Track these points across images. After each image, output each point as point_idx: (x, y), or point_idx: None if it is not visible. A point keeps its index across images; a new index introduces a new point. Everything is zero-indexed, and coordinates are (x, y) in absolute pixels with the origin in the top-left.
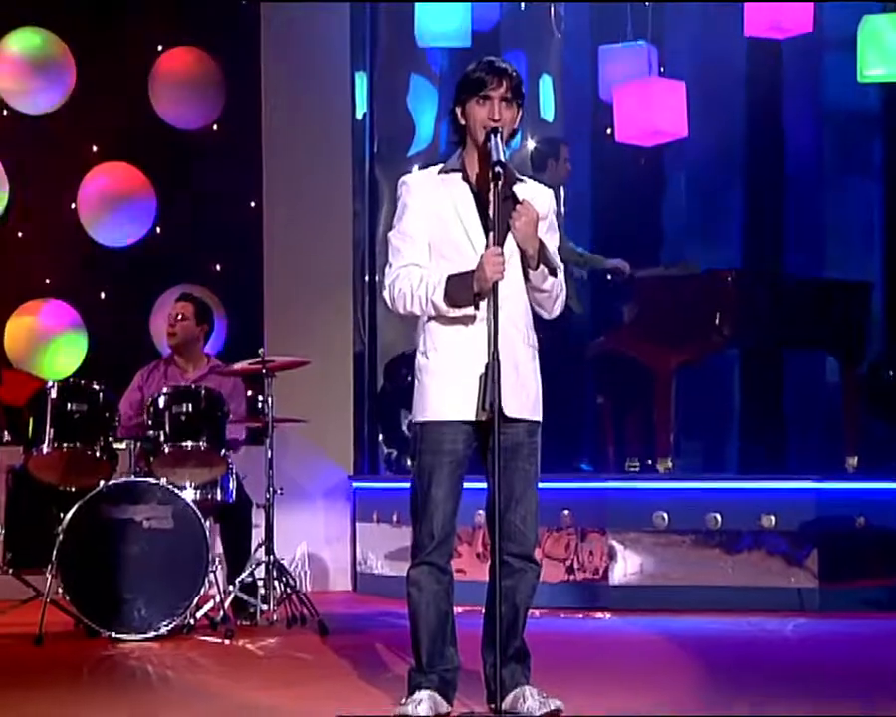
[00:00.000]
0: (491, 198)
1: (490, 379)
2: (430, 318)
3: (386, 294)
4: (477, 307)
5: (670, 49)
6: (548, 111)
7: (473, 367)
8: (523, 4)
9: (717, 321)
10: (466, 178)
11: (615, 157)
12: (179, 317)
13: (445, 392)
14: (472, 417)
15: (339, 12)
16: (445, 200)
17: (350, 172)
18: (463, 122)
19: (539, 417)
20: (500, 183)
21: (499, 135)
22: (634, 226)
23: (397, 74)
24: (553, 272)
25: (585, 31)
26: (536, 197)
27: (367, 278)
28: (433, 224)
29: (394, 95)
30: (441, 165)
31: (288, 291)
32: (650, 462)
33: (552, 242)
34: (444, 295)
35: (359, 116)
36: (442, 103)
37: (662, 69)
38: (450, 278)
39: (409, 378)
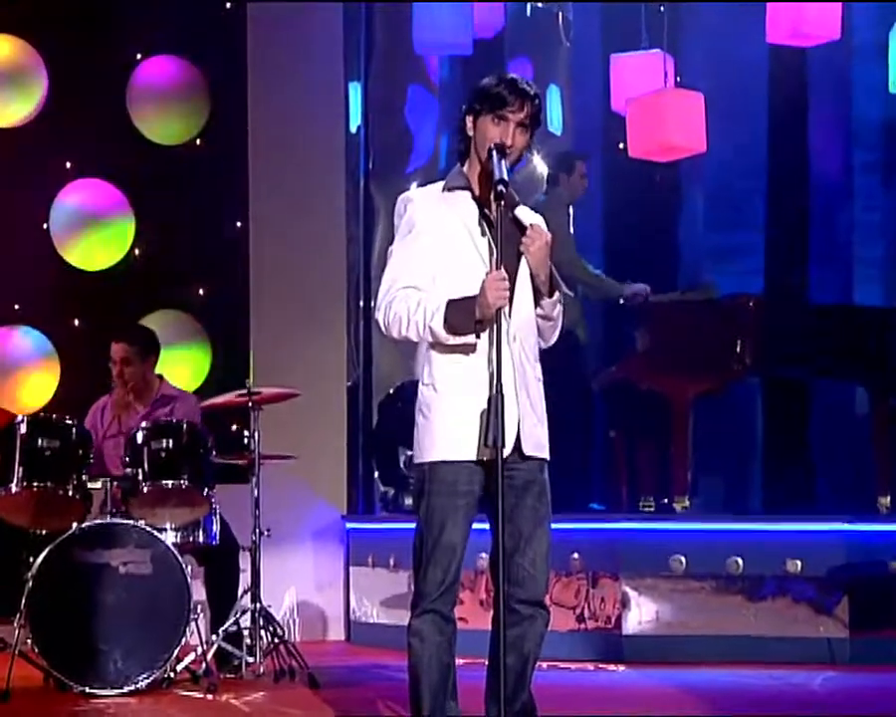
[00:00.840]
0: (493, 219)
1: (493, 413)
2: (433, 347)
3: (379, 315)
4: (478, 336)
5: (687, 57)
6: (556, 123)
7: (486, 401)
8: (528, 8)
9: (738, 349)
10: (473, 195)
11: (628, 174)
12: (124, 363)
13: (458, 429)
14: (486, 455)
15: (331, 18)
16: (453, 219)
17: (343, 190)
18: (471, 134)
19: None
20: (502, 203)
21: (503, 154)
22: (648, 247)
23: (394, 84)
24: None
25: (596, 38)
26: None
27: (362, 303)
28: (442, 245)
29: (391, 106)
30: (444, 182)
31: (276, 317)
32: (666, 501)
33: None
34: (443, 322)
35: (353, 129)
36: (442, 114)
37: (678, 79)
38: (450, 303)
39: (407, 412)
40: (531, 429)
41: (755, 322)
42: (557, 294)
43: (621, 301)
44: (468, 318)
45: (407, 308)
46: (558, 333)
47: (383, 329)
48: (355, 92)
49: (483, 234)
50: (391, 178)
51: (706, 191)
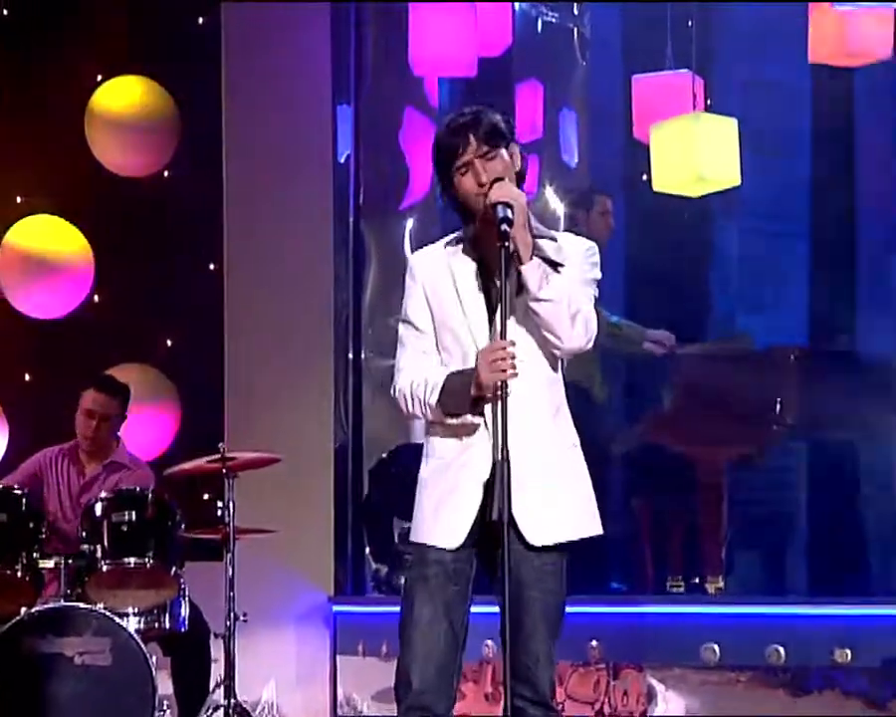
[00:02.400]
0: (501, 266)
1: (499, 483)
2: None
3: (395, 393)
4: (480, 413)
5: (718, 79)
6: (570, 153)
7: (466, 482)
8: (539, 24)
9: (778, 408)
10: (469, 250)
11: (652, 210)
12: (103, 419)
13: (431, 512)
14: (453, 545)
15: (318, 34)
16: (446, 280)
17: (331, 227)
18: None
19: (572, 535)
20: (509, 246)
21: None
22: (675, 293)
23: (388, 107)
24: (553, 266)
25: (616, 57)
26: (564, 246)
27: (351, 355)
28: (434, 309)
29: (384, 132)
30: (451, 236)
31: (254, 372)
32: (697, 581)
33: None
34: (440, 393)
35: (342, 158)
36: None
37: (709, 102)
38: (449, 378)
39: (403, 478)
40: (533, 508)
41: (797, 377)
42: (538, 260)
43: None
44: (462, 397)
45: (411, 381)
46: (580, 325)
47: (399, 402)
48: (345, 116)
49: (475, 294)
50: (385, 214)
51: (741, 229)
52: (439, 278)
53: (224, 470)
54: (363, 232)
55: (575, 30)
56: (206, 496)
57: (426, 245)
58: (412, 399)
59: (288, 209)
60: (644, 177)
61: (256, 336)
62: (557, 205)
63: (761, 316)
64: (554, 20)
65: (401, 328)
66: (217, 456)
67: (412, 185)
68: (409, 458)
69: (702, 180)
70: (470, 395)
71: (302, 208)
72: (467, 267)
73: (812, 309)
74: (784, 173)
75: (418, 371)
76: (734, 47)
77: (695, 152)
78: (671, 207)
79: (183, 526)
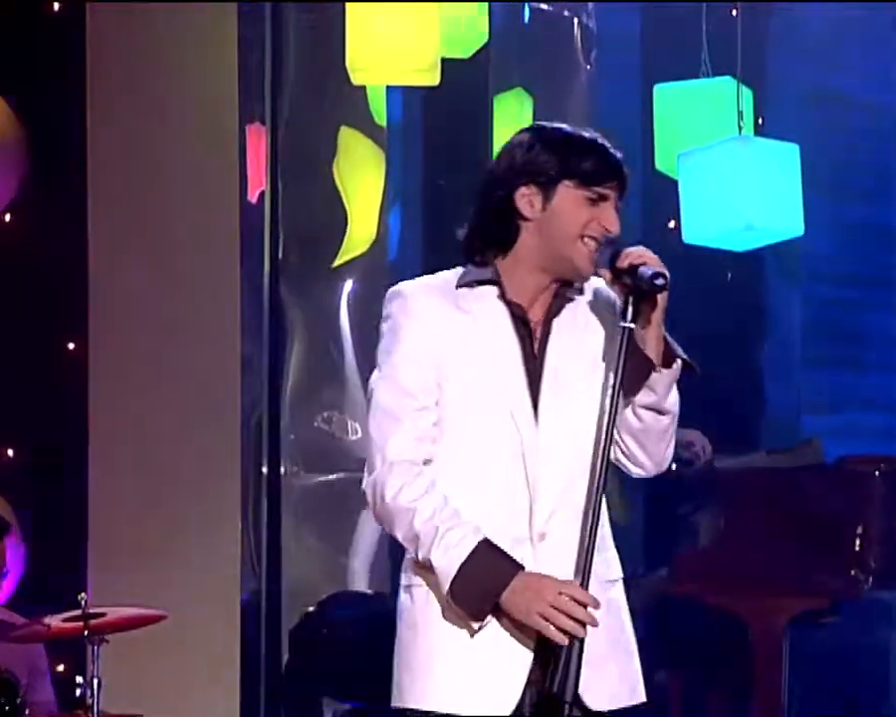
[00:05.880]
0: (622, 346)
1: (570, 653)
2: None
3: (367, 486)
4: (482, 618)
5: (773, 89)
6: None
7: (516, 628)
8: (527, 11)
9: (858, 544)
10: (503, 295)
11: (682, 268)
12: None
13: (458, 665)
14: (506, 712)
15: (221, 29)
16: (468, 329)
17: (237, 291)
18: (529, 215)
19: (629, 699)
20: (628, 331)
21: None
22: (716, 383)
23: (316, 128)
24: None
25: (632, 59)
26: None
27: (266, 471)
28: (447, 369)
29: (312, 162)
30: (461, 271)
31: (129, 492)
32: None
33: None
34: (452, 580)
35: (253, 198)
36: (392, 175)
37: (760, 121)
38: (475, 553)
39: (337, 641)
40: (595, 670)
41: (884, 499)
42: (677, 363)
43: (673, 466)
44: (482, 597)
45: (414, 508)
46: (671, 442)
47: (370, 504)
48: (257, 139)
49: (514, 353)
50: (312, 273)
51: (805, 294)
52: (458, 326)
53: (86, 632)
54: (283, 300)
55: (577, 22)
56: (61, 667)
57: (372, 315)
58: (408, 527)
59: (177, 268)
60: (671, 224)
61: (133, 444)
62: None
63: (833, 415)
64: (547, 7)
65: (388, 395)
66: (77, 613)
67: (352, 233)
68: (346, 612)
69: (750, 229)
70: (491, 599)
71: (197, 267)
72: (501, 317)
73: None
74: (861, 220)
75: (433, 500)
76: (793, 48)
77: (740, 190)
78: (708, 265)
79: (27, 711)
